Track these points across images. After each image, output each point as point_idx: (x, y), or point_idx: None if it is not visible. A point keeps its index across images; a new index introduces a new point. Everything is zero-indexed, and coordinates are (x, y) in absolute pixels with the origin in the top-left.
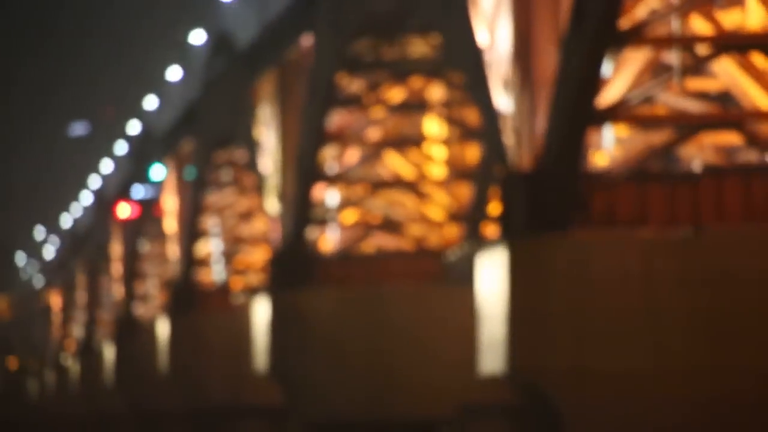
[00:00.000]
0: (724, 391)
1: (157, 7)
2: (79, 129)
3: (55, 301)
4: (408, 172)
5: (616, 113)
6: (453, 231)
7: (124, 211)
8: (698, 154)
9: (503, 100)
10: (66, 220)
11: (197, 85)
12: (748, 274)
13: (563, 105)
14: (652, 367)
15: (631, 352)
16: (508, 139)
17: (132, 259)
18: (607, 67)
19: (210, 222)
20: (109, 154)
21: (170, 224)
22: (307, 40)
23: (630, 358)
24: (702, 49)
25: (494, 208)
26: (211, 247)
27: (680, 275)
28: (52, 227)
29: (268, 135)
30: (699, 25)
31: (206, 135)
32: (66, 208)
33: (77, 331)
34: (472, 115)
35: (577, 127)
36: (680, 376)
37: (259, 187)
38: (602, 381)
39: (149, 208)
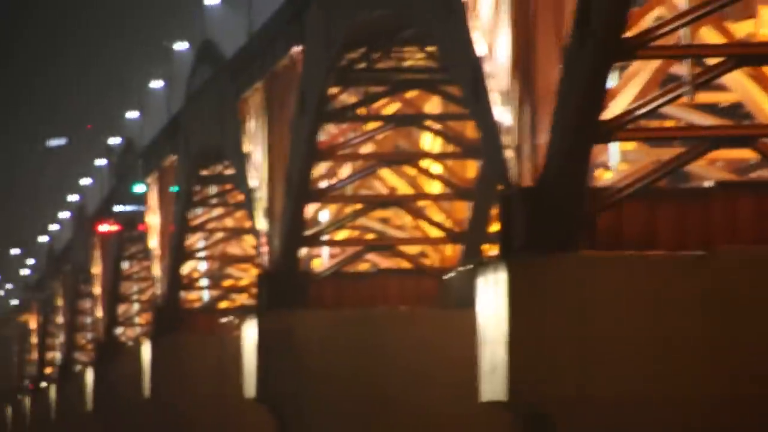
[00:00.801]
0: (736, 422)
1: (138, 14)
2: (55, 141)
3: (32, 323)
4: (403, 189)
5: (622, 127)
6: (451, 250)
7: (105, 226)
8: (709, 170)
9: (503, 114)
10: (43, 238)
11: (181, 96)
12: (763, 298)
13: (566, 118)
14: (660, 395)
15: (638, 380)
16: (508, 154)
17: (114, 278)
18: (612, 79)
19: (196, 240)
20: (88, 168)
21: (154, 242)
22: (296, 50)
23: (637, 386)
24: (713, 61)
25: (494, 226)
26: (196, 266)
27: (691, 298)
28: (29, 246)
29: (256, 149)
30: (709, 35)
31: (191, 148)
32: (43, 226)
33: (55, 354)
34: (470, 129)
35: (581, 141)
36: (690, 405)
37: (247, 203)
38: (607, 409)
39: (132, 225)
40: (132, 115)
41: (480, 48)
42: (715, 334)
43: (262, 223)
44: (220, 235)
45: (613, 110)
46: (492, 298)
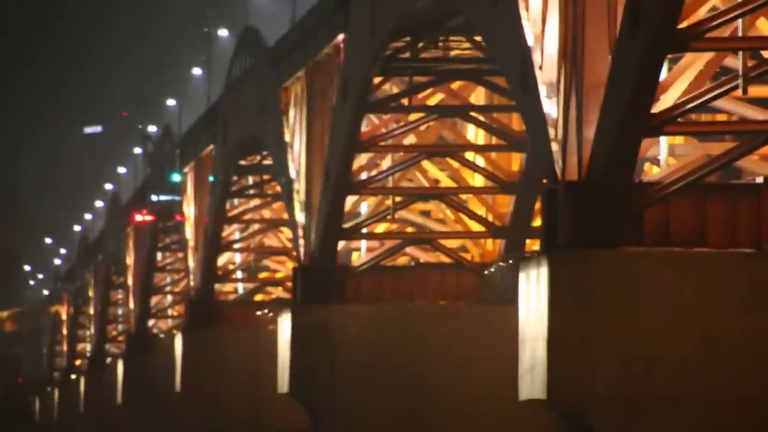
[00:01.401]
0: None
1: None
2: (91, 129)
3: (63, 314)
4: (445, 182)
5: (672, 121)
6: (491, 245)
7: (140, 216)
8: (762, 165)
9: (549, 106)
10: (77, 229)
11: (220, 84)
12: None
13: (615, 112)
14: (707, 398)
15: (683, 382)
16: (554, 147)
17: (147, 269)
18: (663, 71)
19: (232, 231)
20: (124, 156)
21: (189, 233)
22: (340, 39)
23: (682, 388)
24: None
25: (537, 221)
26: (232, 258)
27: (740, 297)
28: (62, 236)
29: (295, 139)
30: (765, 26)
31: (229, 137)
32: (77, 215)
33: (86, 346)
34: (515, 122)
35: (630, 135)
36: (737, 408)
37: (285, 195)
38: (650, 411)
39: (167, 216)
40: (170, 102)
41: (528, 38)
42: (764, 334)
43: (299, 215)
44: (256, 226)
45: (663, 103)
46: (533, 294)
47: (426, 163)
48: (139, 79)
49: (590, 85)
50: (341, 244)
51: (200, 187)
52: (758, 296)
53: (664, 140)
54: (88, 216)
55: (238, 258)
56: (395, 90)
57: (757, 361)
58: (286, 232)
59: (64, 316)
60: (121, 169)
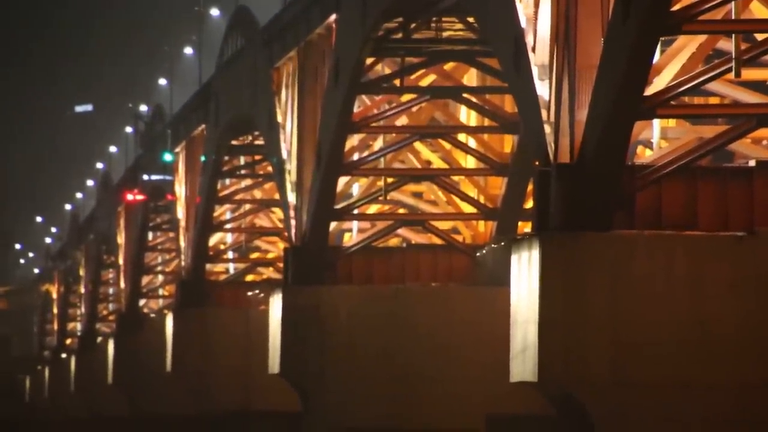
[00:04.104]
0: None
1: None
2: (82, 107)
3: (54, 293)
4: (437, 163)
5: (664, 104)
6: (483, 227)
7: (132, 195)
8: (754, 149)
9: (542, 88)
10: (68, 207)
11: (212, 64)
12: None
13: (607, 94)
14: (697, 380)
15: (675, 364)
16: (547, 129)
17: (138, 249)
18: (656, 54)
19: (223, 211)
20: (115, 135)
21: (181, 213)
22: (332, 19)
23: (673, 370)
24: (761, 36)
25: (529, 203)
26: (223, 238)
27: (731, 281)
28: (53, 215)
29: (287, 120)
30: (760, 9)
31: (221, 117)
32: (68, 195)
33: (76, 325)
34: (507, 103)
35: (622, 117)
36: (728, 391)
37: (277, 175)
38: (642, 393)
39: (158, 195)
40: (161, 82)
41: (521, 20)
42: (754, 317)
43: (291, 196)
44: (248, 206)
45: (655, 86)
46: (525, 276)
47: (418, 145)
48: (130, 58)
49: (583, 67)
50: (333, 225)
51: (191, 167)
52: (749, 279)
53: (656, 123)
54: (79, 195)
55: (229, 238)
56: (387, 71)
57: (747, 344)
58: (278, 212)
59: (54, 295)
60: (113, 149)
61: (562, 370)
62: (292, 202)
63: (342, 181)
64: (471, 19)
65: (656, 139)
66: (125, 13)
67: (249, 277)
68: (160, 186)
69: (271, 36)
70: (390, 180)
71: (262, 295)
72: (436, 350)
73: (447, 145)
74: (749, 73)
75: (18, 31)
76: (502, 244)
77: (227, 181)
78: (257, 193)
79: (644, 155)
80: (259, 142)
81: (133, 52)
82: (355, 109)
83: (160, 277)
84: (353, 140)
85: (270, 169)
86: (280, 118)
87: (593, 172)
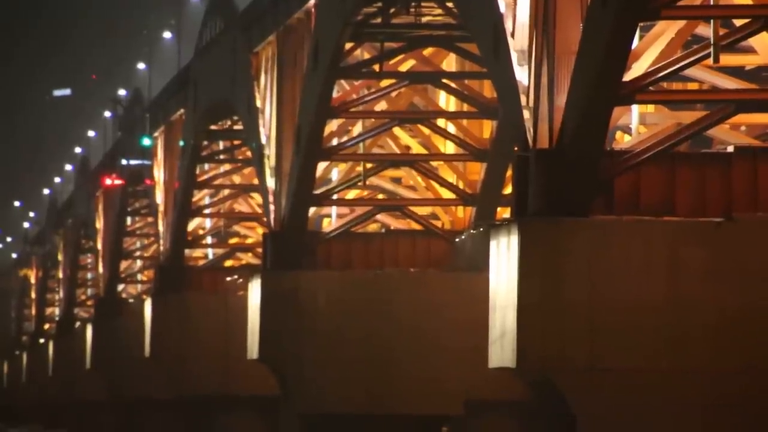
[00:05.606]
0: (752, 395)
1: None
2: (60, 92)
3: (32, 277)
4: (417, 148)
5: (643, 89)
6: (462, 212)
7: (110, 180)
8: (732, 134)
9: (521, 73)
10: (46, 192)
11: (191, 48)
12: None
13: (586, 79)
14: (674, 365)
15: (651, 349)
16: (526, 114)
17: (116, 233)
18: (635, 40)
19: (202, 196)
20: (93, 120)
21: (159, 198)
22: (311, 3)
23: (649, 355)
24: (739, 22)
25: (508, 188)
26: (202, 223)
27: (708, 266)
28: (31, 200)
29: (266, 104)
30: None
31: (200, 102)
32: (46, 179)
33: (54, 310)
34: (487, 89)
35: (601, 102)
36: (704, 376)
37: (255, 160)
38: (619, 378)
39: (136, 180)
40: (140, 66)
41: (500, 5)
42: (731, 303)
43: (270, 181)
44: (227, 191)
45: (634, 72)
46: (504, 262)
47: (397, 130)
48: (108, 41)
49: (562, 53)
50: (312, 210)
51: (170, 152)
52: (727, 265)
53: (635, 109)
54: (57, 179)
55: (208, 223)
56: (367, 56)
57: (724, 329)
58: (257, 197)
59: (32, 280)
60: (91, 133)
61: (541, 356)
62: (271, 187)
63: (321, 166)
64: (450, 4)
65: (635, 125)
66: None
67: (228, 263)
68: (139, 171)
69: (250, 20)
70: (369, 165)
71: (240, 280)
72: (414, 336)
73: (426, 131)
74: (728, 59)
75: None
76: (481, 229)
77: (206, 166)
78: (236, 178)
79: (623, 141)
80: (238, 127)
81: (113, 37)
82: (335, 94)
83: (139, 262)
84: (332, 125)
85: (249, 154)
86: (259, 103)
87: (572, 158)
